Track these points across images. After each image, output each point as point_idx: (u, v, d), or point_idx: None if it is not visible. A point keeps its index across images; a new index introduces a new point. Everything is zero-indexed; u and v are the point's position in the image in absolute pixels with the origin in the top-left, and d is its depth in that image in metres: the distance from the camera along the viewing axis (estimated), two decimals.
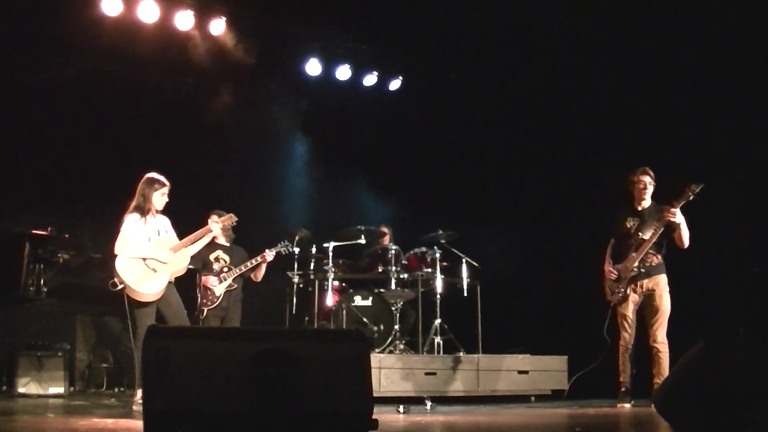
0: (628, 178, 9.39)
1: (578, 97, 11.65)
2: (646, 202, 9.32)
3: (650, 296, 9.12)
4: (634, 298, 9.23)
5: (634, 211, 9.36)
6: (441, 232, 11.23)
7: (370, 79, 13.30)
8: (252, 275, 10.06)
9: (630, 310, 9.26)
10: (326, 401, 4.36)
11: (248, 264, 9.81)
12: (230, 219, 9.25)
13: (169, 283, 8.32)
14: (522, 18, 11.25)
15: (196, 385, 4.26)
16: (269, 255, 9.90)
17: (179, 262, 8.40)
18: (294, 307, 11.11)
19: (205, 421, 4.26)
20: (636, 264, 9.13)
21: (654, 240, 9.04)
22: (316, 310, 10.93)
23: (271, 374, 4.27)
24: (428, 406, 9.30)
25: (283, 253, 10.15)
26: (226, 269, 9.75)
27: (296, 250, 10.75)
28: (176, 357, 4.29)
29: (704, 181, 8.68)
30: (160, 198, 8.43)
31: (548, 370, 10.91)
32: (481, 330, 11.04)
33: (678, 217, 8.88)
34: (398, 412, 8.34)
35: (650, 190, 9.29)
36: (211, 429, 4.27)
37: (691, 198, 8.76)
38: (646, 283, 9.16)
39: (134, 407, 7.97)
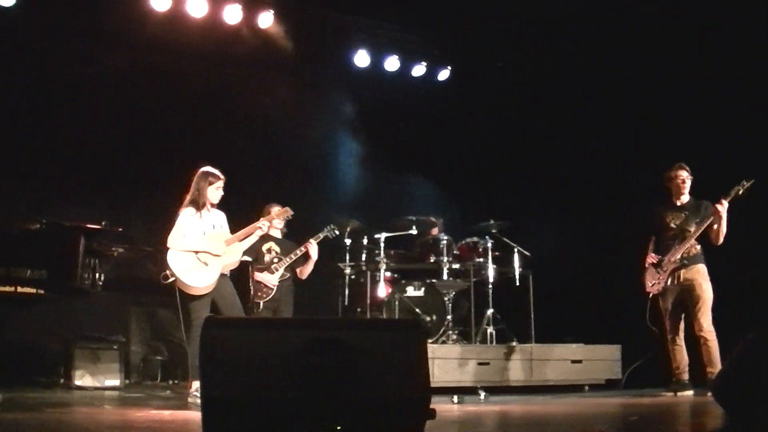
0: (665, 174, 9.53)
1: (631, 85, 11.53)
2: (685, 197, 9.43)
3: (690, 286, 9.14)
4: (674, 289, 9.26)
5: (673, 206, 9.46)
6: (492, 221, 11.22)
7: (418, 70, 13.29)
8: (298, 271, 10.01)
9: (669, 301, 9.32)
10: (383, 390, 4.36)
11: (297, 252, 9.79)
12: (286, 212, 9.26)
13: (224, 275, 8.34)
14: (571, 6, 11.17)
15: (252, 374, 4.29)
16: (313, 243, 9.86)
17: (231, 255, 8.41)
18: (346, 298, 11.18)
19: (261, 409, 4.28)
20: (678, 256, 9.15)
21: (699, 233, 9.08)
22: (368, 300, 10.94)
23: (327, 363, 4.28)
24: (482, 396, 9.27)
25: (330, 237, 10.07)
26: (276, 260, 9.75)
27: (348, 241, 10.84)
28: (233, 347, 4.33)
29: (754, 177, 8.74)
30: (215, 192, 8.45)
31: (601, 359, 10.88)
32: (534, 319, 11.01)
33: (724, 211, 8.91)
34: (452, 402, 8.36)
35: (688, 184, 9.41)
36: (268, 417, 4.29)
37: (741, 193, 8.85)
38: (684, 273, 9.21)
39: (189, 399, 8.02)
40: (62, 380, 10.39)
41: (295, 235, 10.15)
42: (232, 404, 4.27)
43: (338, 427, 4.30)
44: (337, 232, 10.21)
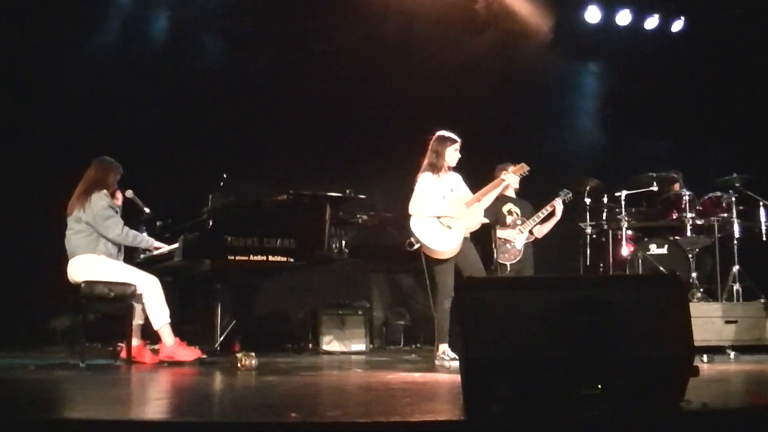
0: None
1: None
2: None
3: None
4: None
5: None
6: (735, 175, 10.81)
7: (651, 22, 12.99)
8: (536, 230, 9.91)
9: None
10: (645, 347, 4.28)
11: (541, 214, 9.77)
12: (522, 169, 9.06)
13: (465, 238, 8.37)
14: None
15: (512, 334, 4.29)
16: (558, 203, 9.82)
17: (473, 217, 8.41)
18: (588, 258, 11.09)
19: (523, 370, 4.29)
20: None
21: None
22: (610, 259, 10.85)
23: (590, 322, 4.23)
24: (731, 356, 9.05)
25: (566, 201, 10.04)
26: (519, 221, 9.74)
27: (588, 200, 10.74)
28: (491, 307, 4.33)
29: None
30: (453, 154, 8.48)
31: None
32: None
33: None
34: (702, 361, 8.15)
35: None
36: (530, 377, 4.29)
37: None
38: None
39: (437, 362, 8.11)
40: (310, 345, 10.71)
41: (530, 194, 10.11)
42: (494, 365, 4.28)
43: (599, 386, 4.26)
44: (571, 197, 10.13)
